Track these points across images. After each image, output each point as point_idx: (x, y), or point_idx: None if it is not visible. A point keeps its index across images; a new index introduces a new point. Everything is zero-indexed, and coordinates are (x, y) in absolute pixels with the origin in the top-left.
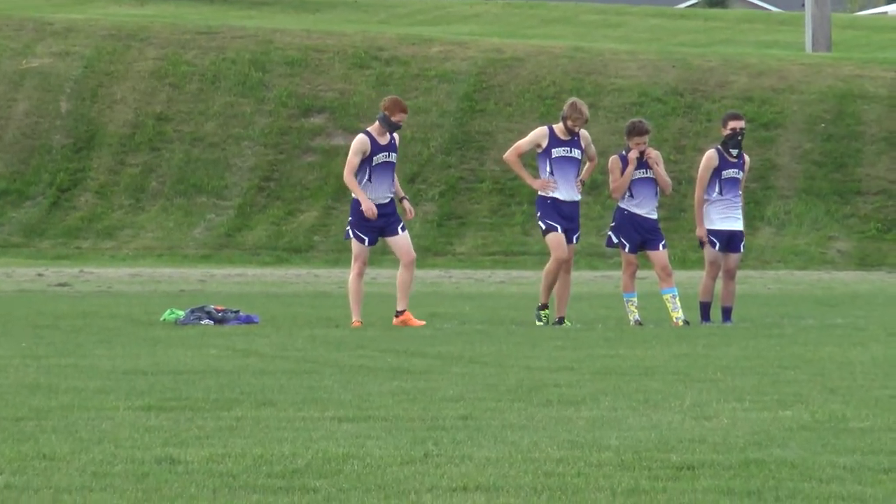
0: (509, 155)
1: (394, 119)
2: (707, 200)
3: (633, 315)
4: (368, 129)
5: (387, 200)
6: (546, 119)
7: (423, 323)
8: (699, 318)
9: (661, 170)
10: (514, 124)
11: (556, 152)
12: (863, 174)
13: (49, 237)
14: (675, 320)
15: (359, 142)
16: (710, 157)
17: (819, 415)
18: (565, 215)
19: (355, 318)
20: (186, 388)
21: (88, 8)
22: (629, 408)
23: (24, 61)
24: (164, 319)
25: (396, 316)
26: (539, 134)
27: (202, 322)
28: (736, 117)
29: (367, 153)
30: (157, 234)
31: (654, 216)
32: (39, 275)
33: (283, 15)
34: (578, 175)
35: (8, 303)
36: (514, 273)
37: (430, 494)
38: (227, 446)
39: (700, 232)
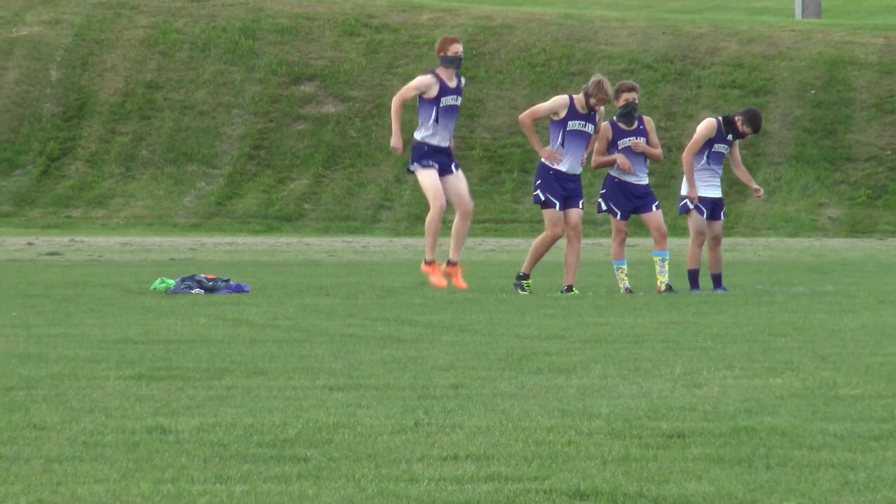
0: (525, 117)
1: (449, 54)
2: (695, 166)
3: (624, 283)
4: (436, 70)
5: (446, 146)
6: (536, 86)
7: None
8: (688, 286)
9: (653, 138)
10: (504, 91)
11: (572, 125)
12: (853, 141)
13: (39, 206)
14: (658, 284)
15: (420, 79)
16: (710, 125)
17: (809, 382)
18: (566, 189)
19: (429, 257)
20: (177, 357)
21: None
22: (619, 376)
23: (13, 30)
24: (155, 288)
25: (448, 265)
26: (559, 102)
27: (192, 291)
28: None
29: (434, 94)
30: (147, 202)
31: (645, 181)
32: (30, 244)
33: None
34: (586, 149)
35: None
36: (504, 241)
37: (420, 463)
38: (217, 415)
39: (692, 193)
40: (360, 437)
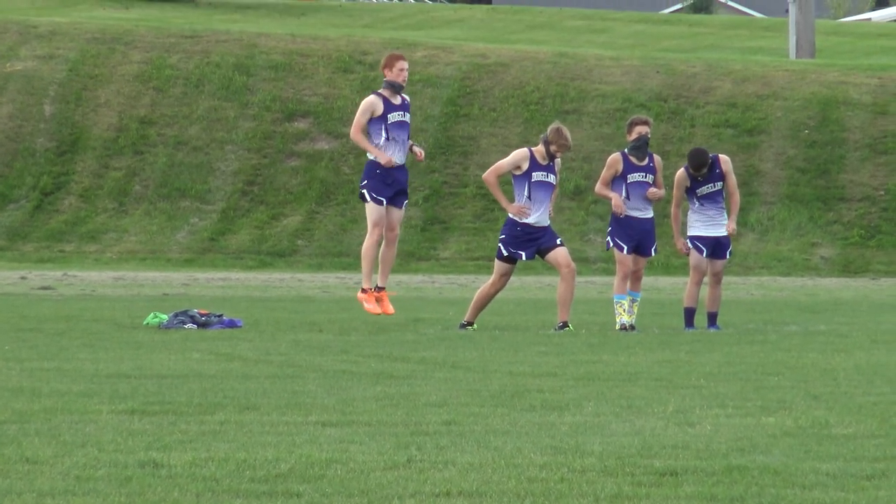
0: (489, 175)
1: (390, 77)
2: (691, 209)
3: (620, 318)
4: (380, 90)
5: (399, 163)
6: (530, 124)
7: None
8: (684, 324)
9: (659, 177)
10: (497, 129)
11: (536, 176)
12: (846, 180)
13: (32, 240)
14: (620, 323)
15: (365, 102)
16: (680, 176)
17: (802, 421)
18: (532, 238)
19: (366, 285)
20: (170, 392)
21: (73, 11)
22: (612, 413)
23: (7, 64)
24: (148, 323)
25: (377, 290)
26: (520, 156)
27: (185, 326)
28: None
29: (381, 113)
30: (140, 237)
31: (650, 215)
32: (23, 278)
33: (268, 19)
34: (552, 200)
35: None
36: None
37: (413, 500)
38: (210, 450)
39: (679, 244)
40: (352, 472)
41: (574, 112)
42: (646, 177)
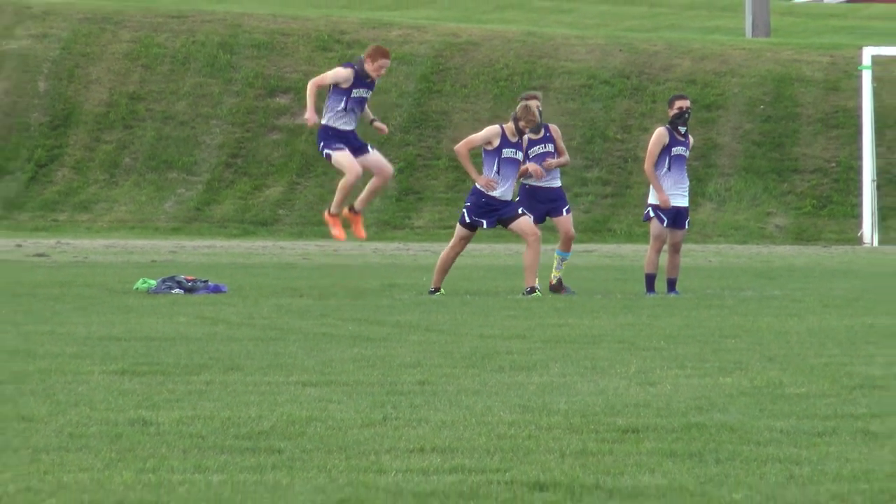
0: (460, 147)
1: (369, 68)
2: (659, 172)
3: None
4: (355, 65)
5: (350, 129)
6: (500, 100)
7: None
8: (645, 289)
9: (560, 144)
10: (469, 105)
11: (506, 153)
12: (799, 153)
13: (27, 210)
14: (551, 277)
15: (337, 71)
16: (660, 133)
17: (757, 381)
18: (495, 209)
19: (334, 211)
20: (158, 353)
21: None
22: (577, 374)
23: (2, 43)
24: (137, 288)
25: (351, 212)
26: (492, 132)
27: (173, 291)
28: (682, 97)
29: (348, 86)
30: (130, 207)
31: (557, 185)
32: (18, 246)
33: (251, 0)
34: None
35: None
36: (469, 246)
37: (388, 455)
38: (196, 409)
39: (662, 197)
40: (331, 430)
41: (541, 88)
42: (545, 147)
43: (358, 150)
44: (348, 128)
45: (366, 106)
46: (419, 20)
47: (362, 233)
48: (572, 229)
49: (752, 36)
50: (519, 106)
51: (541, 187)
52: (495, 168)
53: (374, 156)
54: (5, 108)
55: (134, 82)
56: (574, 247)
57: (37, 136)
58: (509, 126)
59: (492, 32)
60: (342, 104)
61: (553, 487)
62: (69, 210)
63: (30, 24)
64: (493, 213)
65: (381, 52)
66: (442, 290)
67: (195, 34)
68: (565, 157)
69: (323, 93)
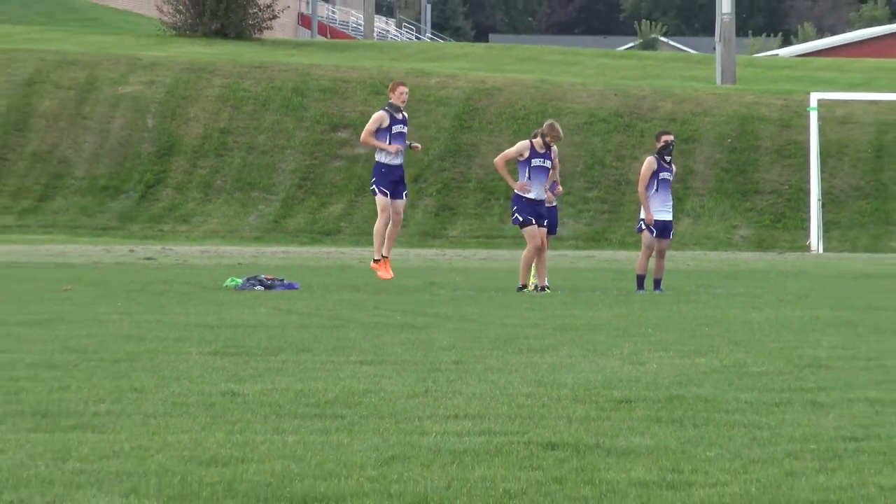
0: (498, 160)
1: (392, 99)
2: (649, 194)
3: (533, 280)
4: (386, 107)
5: (398, 163)
6: (518, 135)
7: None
8: (636, 287)
9: (556, 161)
10: (493, 138)
11: (535, 162)
12: (759, 178)
13: (139, 222)
14: (529, 284)
15: (375, 116)
16: (650, 161)
17: (726, 361)
18: (538, 211)
19: (377, 256)
20: (243, 338)
21: (169, 47)
22: (581, 355)
23: (119, 88)
24: (226, 285)
25: (375, 262)
26: (523, 146)
27: (255, 288)
28: (667, 133)
29: (387, 125)
30: (220, 220)
31: (553, 204)
32: (131, 251)
33: (319, 54)
34: (547, 179)
35: (107, 272)
36: (494, 252)
37: (429, 420)
38: (275, 383)
39: (648, 216)
40: (383, 400)
41: None
42: (543, 162)
43: (397, 188)
44: (396, 162)
45: (405, 140)
46: (454, 70)
47: (389, 274)
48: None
49: (721, 83)
50: (546, 124)
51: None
52: (527, 175)
53: (400, 203)
54: (121, 140)
55: (224, 119)
56: (577, 253)
57: (146, 162)
58: (537, 140)
59: (512, 80)
60: (387, 140)
61: (562, 447)
62: (172, 222)
63: (140, 72)
64: (535, 211)
65: (397, 83)
66: (528, 287)
67: (273, 80)
68: (556, 172)
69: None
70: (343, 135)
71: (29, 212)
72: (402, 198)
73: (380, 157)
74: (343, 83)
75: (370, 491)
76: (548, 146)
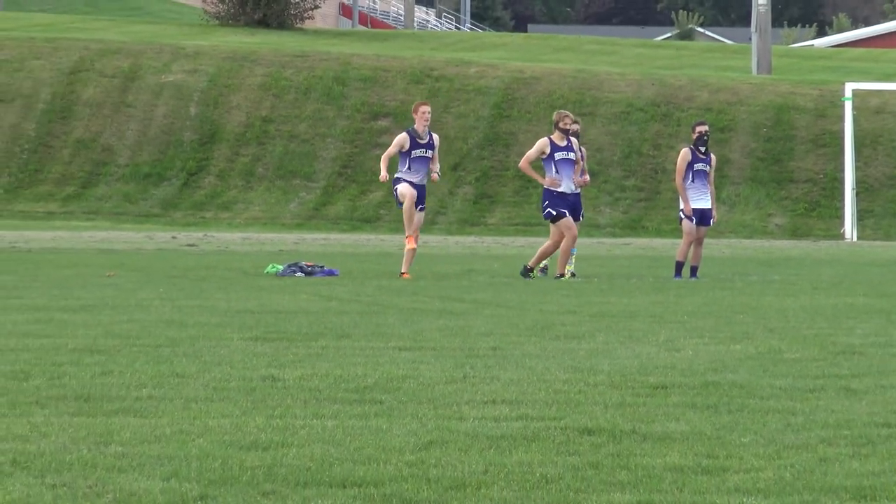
0: (523, 164)
1: (416, 122)
2: (686, 184)
3: (570, 268)
4: (410, 129)
5: (420, 183)
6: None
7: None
8: (673, 273)
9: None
10: (531, 127)
11: (558, 156)
12: (794, 167)
13: (181, 209)
14: (566, 272)
15: (397, 138)
16: (684, 153)
17: (761, 348)
18: (569, 203)
19: (409, 232)
20: (284, 323)
21: (212, 37)
22: (617, 342)
23: (163, 77)
24: (267, 272)
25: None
26: (542, 144)
27: (296, 274)
28: (702, 123)
29: (407, 148)
30: (262, 207)
31: (578, 191)
32: (173, 237)
33: (360, 43)
34: (575, 172)
35: (149, 259)
36: (532, 239)
37: (467, 406)
38: (314, 368)
39: (687, 208)
40: (421, 385)
41: (589, 114)
42: (567, 154)
43: (421, 196)
44: (416, 181)
45: (428, 164)
46: (493, 60)
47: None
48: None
49: (757, 73)
50: (554, 114)
51: (567, 193)
52: (554, 170)
53: (420, 216)
54: (164, 128)
55: (266, 108)
56: (614, 241)
57: (189, 150)
58: (555, 134)
59: (550, 70)
60: (406, 165)
61: (598, 432)
62: (214, 209)
63: (183, 61)
64: (568, 204)
65: (419, 104)
66: (566, 276)
67: (314, 70)
68: (584, 164)
69: (395, 160)
70: (383, 123)
71: (73, 198)
72: (419, 211)
73: (400, 174)
74: (383, 72)
75: (408, 475)
76: (567, 138)
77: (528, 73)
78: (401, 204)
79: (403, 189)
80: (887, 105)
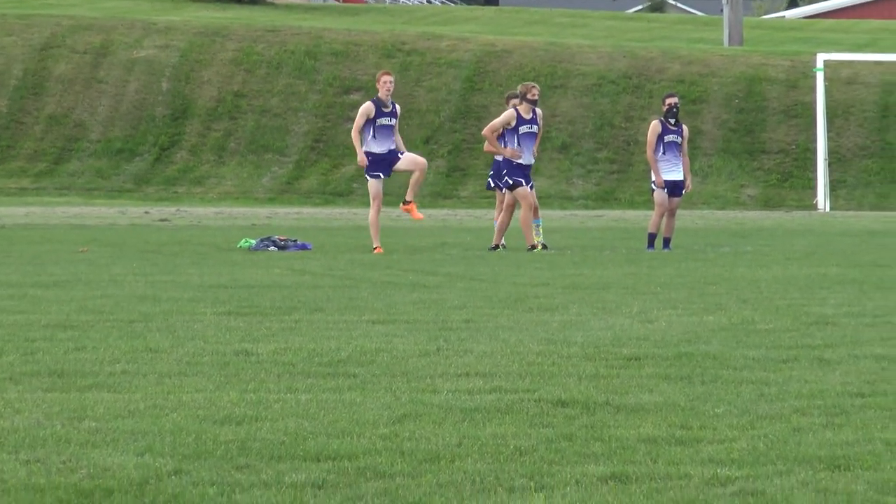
0: (487, 131)
1: (379, 90)
2: (657, 156)
3: (539, 239)
4: (375, 97)
5: (386, 151)
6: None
7: (422, 217)
8: (646, 245)
9: (541, 124)
10: (503, 100)
11: (522, 129)
12: (766, 138)
13: (153, 184)
14: (536, 242)
15: (363, 107)
16: (654, 125)
17: (734, 319)
18: (526, 174)
19: (375, 244)
20: (257, 298)
21: (183, 11)
22: (591, 313)
23: (134, 52)
24: (240, 246)
25: (404, 203)
26: (510, 115)
27: (269, 248)
28: (671, 95)
29: (372, 116)
30: (234, 182)
31: (532, 161)
32: (146, 212)
33: (331, 17)
34: (534, 144)
35: (122, 234)
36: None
37: (441, 379)
38: (288, 342)
39: (658, 180)
40: (395, 358)
41: (561, 87)
42: (531, 128)
43: (392, 162)
44: (382, 150)
45: (393, 133)
46: (464, 33)
47: (419, 215)
48: (536, 200)
49: (729, 45)
50: (519, 86)
51: (523, 164)
52: (516, 142)
53: (406, 157)
54: (136, 103)
55: (237, 83)
56: (586, 212)
57: (160, 125)
58: (523, 107)
59: (522, 43)
60: (371, 134)
61: (572, 404)
62: (186, 184)
63: (155, 36)
64: (524, 174)
65: (381, 73)
66: (537, 246)
67: (286, 44)
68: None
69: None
70: (355, 97)
71: (45, 174)
72: (400, 157)
73: (366, 146)
74: (355, 46)
75: (382, 448)
76: (533, 110)
77: (499, 47)
78: (367, 179)
79: (372, 188)
80: (859, 76)
